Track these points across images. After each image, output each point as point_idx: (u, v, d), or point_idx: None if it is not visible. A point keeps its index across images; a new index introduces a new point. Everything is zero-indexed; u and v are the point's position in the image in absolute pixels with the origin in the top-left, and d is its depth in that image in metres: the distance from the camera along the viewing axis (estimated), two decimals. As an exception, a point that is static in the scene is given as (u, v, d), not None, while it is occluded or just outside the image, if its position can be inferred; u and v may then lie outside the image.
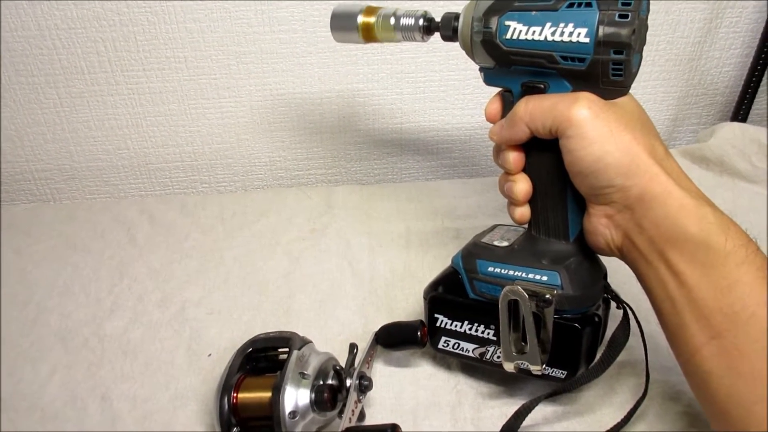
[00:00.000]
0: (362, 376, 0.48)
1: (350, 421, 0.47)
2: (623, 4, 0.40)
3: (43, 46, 0.81)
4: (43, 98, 0.85)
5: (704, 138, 0.88)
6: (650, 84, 0.90)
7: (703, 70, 0.92)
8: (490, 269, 0.49)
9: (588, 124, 0.42)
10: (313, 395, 0.47)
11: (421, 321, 0.53)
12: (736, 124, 0.87)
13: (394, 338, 0.54)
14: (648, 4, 0.44)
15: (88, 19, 0.79)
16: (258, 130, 0.89)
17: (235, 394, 0.48)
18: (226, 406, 0.47)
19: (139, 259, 0.73)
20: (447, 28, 0.48)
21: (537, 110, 0.44)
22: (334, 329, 0.61)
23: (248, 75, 0.85)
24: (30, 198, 0.92)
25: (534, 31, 0.43)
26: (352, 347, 0.51)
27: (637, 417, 0.49)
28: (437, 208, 0.81)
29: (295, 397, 0.46)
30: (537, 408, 0.47)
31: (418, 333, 0.52)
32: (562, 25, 0.42)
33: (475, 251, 0.51)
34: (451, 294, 0.51)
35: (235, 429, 0.47)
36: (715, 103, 0.95)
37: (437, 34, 0.50)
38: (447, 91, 0.88)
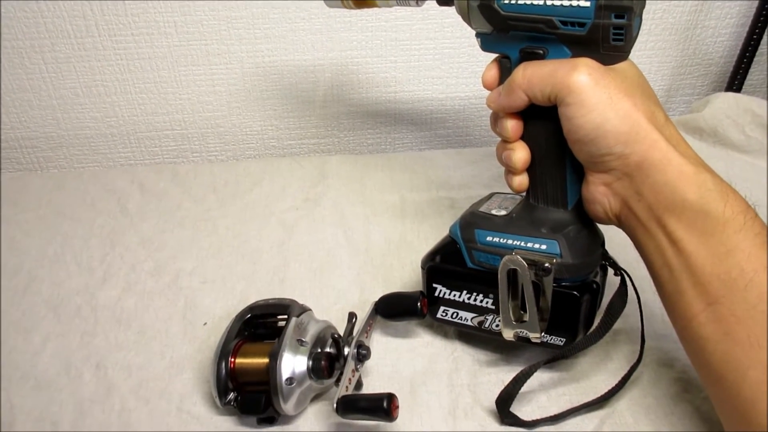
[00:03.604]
0: (360, 345, 0.48)
1: (347, 390, 0.47)
2: None
3: (27, 8, 0.78)
4: (28, 63, 0.82)
5: (698, 108, 0.88)
6: (645, 54, 0.89)
7: (698, 39, 0.91)
8: (489, 238, 0.48)
9: (588, 91, 0.41)
10: (310, 362, 0.47)
11: (422, 292, 0.53)
12: (731, 95, 0.87)
13: (394, 309, 0.54)
14: (650, -32, 0.43)
15: (74, -20, 0.77)
16: (249, 98, 0.88)
17: (232, 360, 0.48)
18: (224, 371, 0.47)
19: (131, 228, 0.73)
20: None
21: (535, 77, 0.43)
22: (330, 298, 0.61)
23: (239, 41, 0.83)
24: (16, 167, 0.91)
25: (533, -5, 0.42)
26: (351, 316, 0.51)
27: (631, 382, 0.50)
28: (431, 178, 0.81)
29: (293, 363, 0.46)
30: (533, 374, 0.47)
31: (419, 304, 0.52)
32: (562, -12, 0.41)
33: (473, 220, 0.50)
34: (449, 264, 0.51)
35: (231, 394, 0.47)
36: (709, 73, 0.95)
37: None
38: (442, 60, 0.87)
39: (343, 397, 0.45)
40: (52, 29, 0.80)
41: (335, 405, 0.44)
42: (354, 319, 0.51)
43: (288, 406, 0.46)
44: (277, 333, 0.48)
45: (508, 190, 0.51)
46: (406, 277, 0.63)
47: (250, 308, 0.52)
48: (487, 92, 0.49)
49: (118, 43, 0.82)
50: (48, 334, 0.58)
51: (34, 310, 0.61)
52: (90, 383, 0.53)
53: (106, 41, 0.81)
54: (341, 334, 0.50)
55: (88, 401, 0.51)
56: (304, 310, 0.50)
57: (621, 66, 0.44)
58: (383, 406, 0.43)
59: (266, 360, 0.46)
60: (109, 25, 0.80)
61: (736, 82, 0.92)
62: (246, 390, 0.48)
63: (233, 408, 0.48)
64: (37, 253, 0.69)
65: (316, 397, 0.50)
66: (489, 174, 0.80)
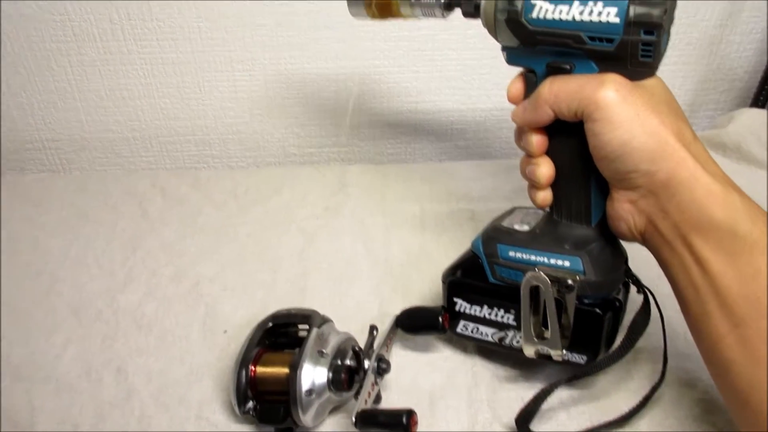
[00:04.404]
0: (380, 359, 0.48)
1: (366, 403, 0.47)
2: None
3: (54, 11, 0.79)
4: (54, 65, 0.84)
5: (722, 124, 0.87)
6: (669, 68, 0.89)
7: (723, 54, 0.90)
8: (511, 254, 0.48)
9: (615, 107, 0.41)
10: (330, 374, 0.47)
11: (443, 306, 0.53)
12: (755, 110, 0.86)
13: (415, 323, 0.54)
14: (679, -16, 0.43)
15: (102, -14, 0.78)
16: (271, 106, 0.88)
17: (253, 368, 0.48)
18: (244, 379, 0.47)
19: (152, 233, 0.73)
20: (469, 5, 0.47)
21: (562, 92, 0.43)
22: (349, 308, 0.61)
23: (263, 48, 0.83)
24: (40, 168, 0.92)
25: (561, 10, 0.42)
26: (372, 329, 0.51)
27: (652, 402, 0.49)
28: (452, 189, 0.81)
29: (313, 375, 0.46)
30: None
31: (440, 319, 0.52)
32: (591, 4, 0.41)
33: (496, 235, 0.50)
34: (470, 278, 0.51)
35: (250, 403, 0.47)
36: (733, 88, 0.94)
37: (458, 11, 0.49)
38: (464, 71, 0.87)
39: (363, 411, 0.45)
40: (79, 33, 0.81)
41: (354, 419, 0.44)
42: (375, 332, 0.51)
43: (307, 418, 0.46)
44: (298, 343, 0.48)
45: (530, 204, 0.51)
46: (426, 289, 0.63)
47: (272, 317, 0.52)
48: (509, 104, 0.48)
49: (143, 48, 0.83)
50: (70, 337, 0.59)
51: (57, 312, 0.62)
52: (110, 387, 0.54)
53: (131, 45, 0.82)
54: (362, 346, 0.50)
55: (108, 405, 0.52)
56: (325, 320, 0.51)
57: (648, 82, 0.43)
58: (402, 422, 0.43)
59: (286, 370, 0.46)
60: (134, 30, 0.81)
61: (761, 98, 0.91)
62: (265, 399, 0.48)
63: (252, 417, 0.48)
64: (60, 254, 0.70)
65: (335, 409, 0.50)
66: (510, 187, 0.80)
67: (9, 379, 0.54)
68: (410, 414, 0.43)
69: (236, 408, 0.47)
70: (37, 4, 0.78)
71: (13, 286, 0.65)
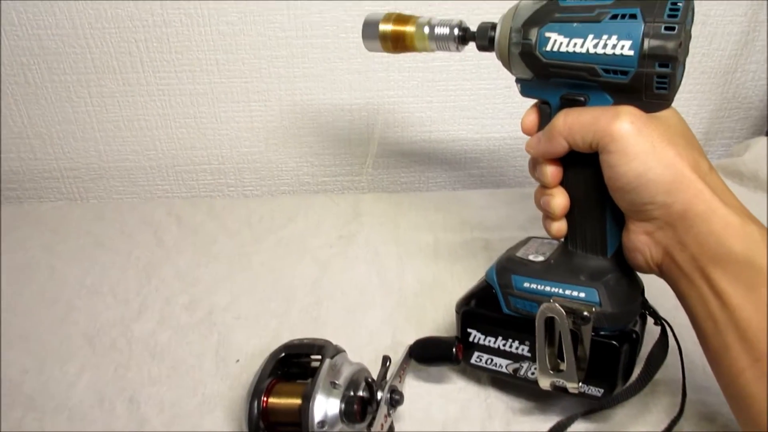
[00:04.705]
0: (393, 390, 0.48)
1: (379, 435, 0.46)
2: (669, 15, 0.39)
3: (76, 44, 0.81)
4: (74, 96, 0.85)
5: (738, 152, 0.87)
6: (684, 97, 0.89)
7: (738, 83, 0.90)
8: (526, 285, 0.48)
9: (630, 139, 0.41)
10: (343, 405, 0.46)
11: (457, 337, 0.52)
12: (772, 140, 0.86)
13: (429, 353, 0.53)
14: (693, 16, 0.43)
15: (122, 18, 0.80)
16: (286, 135, 0.89)
17: (265, 399, 0.47)
18: (256, 410, 0.47)
19: (167, 261, 0.74)
20: (483, 38, 0.48)
21: (577, 124, 0.43)
22: (362, 338, 0.61)
23: (279, 79, 0.85)
24: (57, 196, 0.93)
25: (575, 43, 0.42)
26: (385, 360, 0.51)
27: (672, 438, 0.48)
28: (465, 218, 0.81)
29: (325, 406, 0.46)
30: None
31: (454, 350, 0.51)
32: (605, 37, 0.41)
33: (510, 266, 0.50)
34: (484, 309, 0.51)
35: (261, 433, 0.47)
36: (749, 117, 0.94)
37: (472, 44, 0.49)
38: (477, 100, 0.88)
39: (375, 443, 0.44)
40: (99, 65, 0.83)
41: (367, 450, 0.44)
42: (388, 363, 0.51)
43: (319, 449, 0.46)
44: (311, 373, 0.48)
45: (545, 234, 0.50)
46: (440, 319, 0.63)
47: (285, 347, 0.51)
48: (523, 133, 0.49)
49: (161, 80, 0.84)
50: (83, 366, 0.59)
51: (71, 341, 0.62)
52: (122, 417, 0.53)
53: (150, 77, 0.84)
54: (375, 377, 0.50)
55: (119, 435, 0.52)
56: (338, 351, 0.50)
57: (664, 113, 0.43)
58: (416, 454, 0.42)
59: (299, 401, 0.46)
60: (153, 62, 0.83)
61: (777, 127, 0.91)
62: (277, 430, 0.47)
63: (264, 448, 0.47)
64: (76, 282, 0.70)
65: (347, 441, 0.49)
66: (524, 216, 0.80)
67: (21, 409, 0.54)
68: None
69: (248, 439, 0.47)
70: (60, 38, 0.80)
71: (29, 314, 0.65)
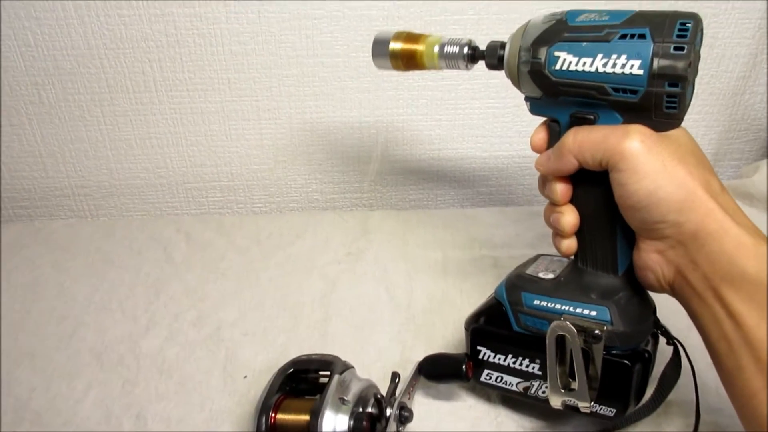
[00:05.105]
0: (403, 407, 0.47)
1: (388, 452, 0.46)
2: (678, 36, 0.39)
3: (91, 65, 0.82)
4: (87, 115, 0.86)
5: (748, 174, 0.86)
6: (692, 118, 0.89)
7: (746, 105, 0.90)
8: (536, 302, 0.48)
9: (640, 157, 0.41)
10: (351, 422, 0.46)
11: (467, 354, 0.52)
12: (782, 161, 0.86)
13: (438, 370, 0.53)
14: (702, 36, 0.43)
15: (137, 39, 0.81)
16: (296, 153, 0.90)
17: (273, 415, 0.47)
18: (264, 426, 0.47)
19: (176, 278, 0.74)
20: (492, 57, 0.48)
21: (586, 142, 0.43)
22: (371, 355, 0.61)
23: (289, 98, 0.85)
24: (68, 213, 0.94)
25: (585, 63, 0.42)
26: (394, 376, 0.50)
27: (685, 459, 0.48)
28: (474, 236, 0.81)
29: (334, 422, 0.45)
30: (581, 446, 0.46)
31: (464, 367, 0.51)
32: (614, 56, 0.41)
33: (520, 283, 0.50)
34: (494, 326, 0.50)
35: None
36: (758, 138, 0.94)
37: (481, 63, 0.49)
38: (485, 119, 0.88)
39: (384, 460, 0.44)
40: (113, 84, 0.84)
41: (376, 469, 0.43)
42: (397, 380, 0.50)
43: (327, 467, 0.45)
44: (319, 389, 0.48)
45: (554, 252, 0.50)
46: (449, 336, 0.62)
47: (293, 362, 0.51)
48: (531, 151, 0.49)
49: (173, 98, 0.85)
50: (91, 382, 0.59)
51: (79, 357, 0.62)
52: (130, 433, 0.53)
53: (162, 96, 0.85)
54: (383, 393, 0.49)
55: (126, 452, 0.52)
56: (347, 367, 0.50)
57: (674, 133, 0.43)
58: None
59: (307, 417, 0.46)
60: (166, 81, 0.84)
61: (786, 147, 0.90)
62: (285, 447, 0.47)
63: (272, 465, 0.47)
64: (85, 299, 0.71)
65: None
66: (533, 234, 0.80)
67: (28, 425, 0.54)
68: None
69: (256, 456, 0.47)
70: (75, 58, 0.81)
71: (37, 331, 0.66)
